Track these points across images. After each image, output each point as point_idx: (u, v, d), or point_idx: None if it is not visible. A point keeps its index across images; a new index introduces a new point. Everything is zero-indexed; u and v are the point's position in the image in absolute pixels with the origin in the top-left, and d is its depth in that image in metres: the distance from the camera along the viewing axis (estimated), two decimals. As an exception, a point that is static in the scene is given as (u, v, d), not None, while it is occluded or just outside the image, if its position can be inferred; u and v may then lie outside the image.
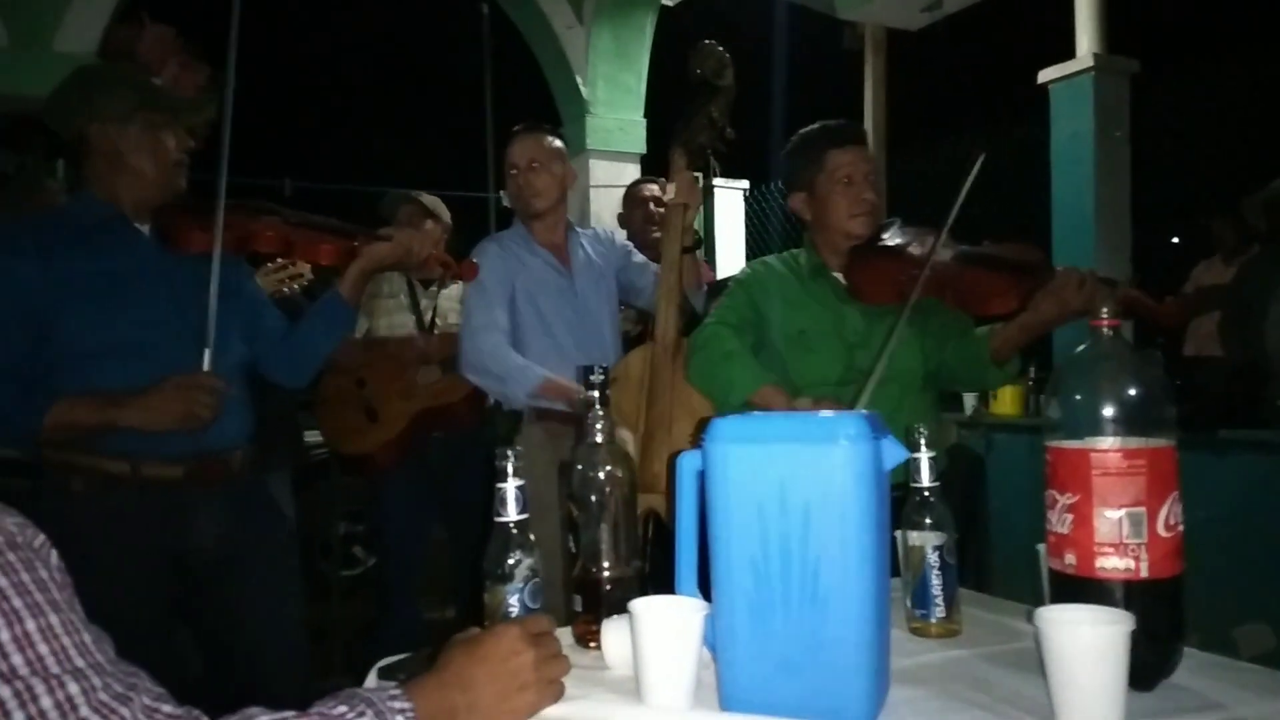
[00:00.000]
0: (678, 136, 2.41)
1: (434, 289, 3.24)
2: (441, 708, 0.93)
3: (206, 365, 1.84)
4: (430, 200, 3.34)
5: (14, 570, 0.73)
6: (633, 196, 3.64)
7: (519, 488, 1.21)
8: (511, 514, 1.20)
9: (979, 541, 4.12)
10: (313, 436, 4.85)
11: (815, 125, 2.26)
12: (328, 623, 3.89)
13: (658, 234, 3.42)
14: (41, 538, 0.79)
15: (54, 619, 0.74)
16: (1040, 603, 1.34)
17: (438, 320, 3.19)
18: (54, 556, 0.80)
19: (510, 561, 1.19)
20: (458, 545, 3.23)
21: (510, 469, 1.20)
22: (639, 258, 2.83)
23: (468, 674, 0.96)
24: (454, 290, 3.26)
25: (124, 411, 1.77)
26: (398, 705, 0.90)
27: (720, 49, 2.37)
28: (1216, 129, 4.69)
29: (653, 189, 3.53)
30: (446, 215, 3.35)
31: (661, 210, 3.42)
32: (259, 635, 2.01)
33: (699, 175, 2.51)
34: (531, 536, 1.23)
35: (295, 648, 2.12)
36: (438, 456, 3.07)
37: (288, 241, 2.08)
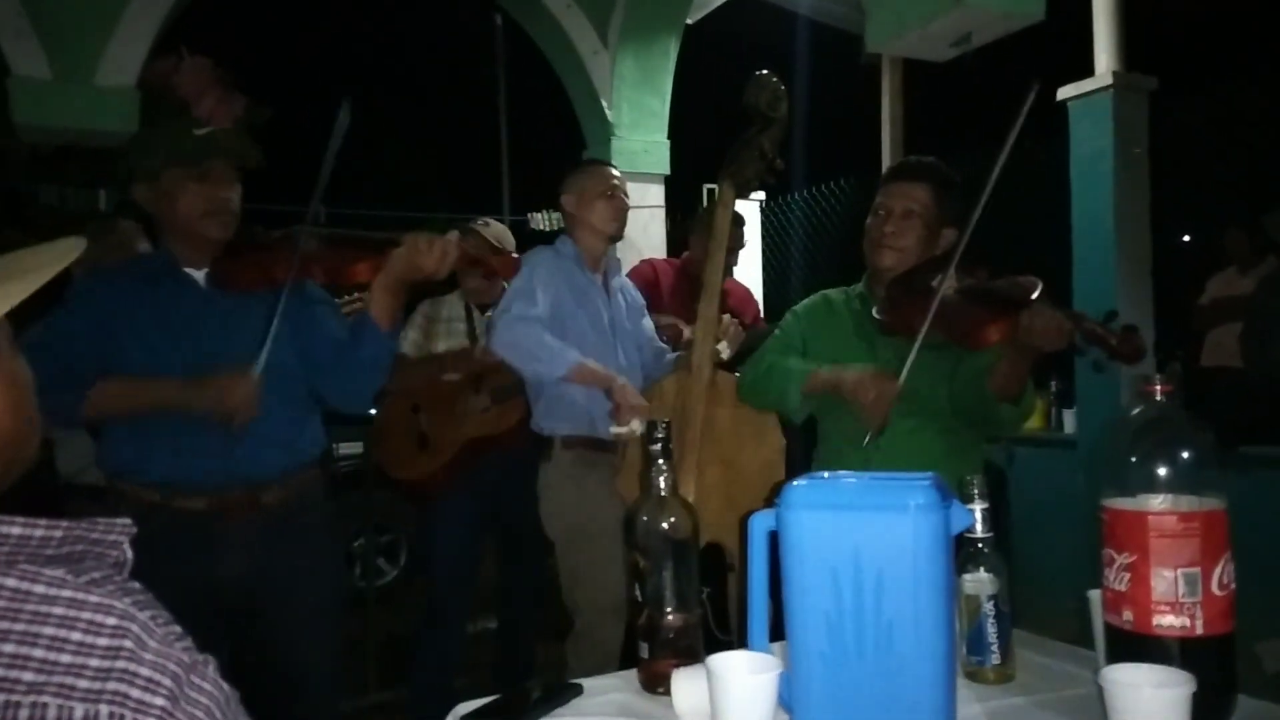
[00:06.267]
0: (727, 168, 2.42)
1: (489, 314, 3.31)
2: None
3: (257, 370, 1.90)
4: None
5: (196, 703, 0.77)
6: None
7: None
8: None
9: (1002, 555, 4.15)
10: (347, 449, 4.88)
11: None
12: (360, 635, 3.94)
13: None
14: (202, 657, 0.82)
15: None
16: (1084, 640, 1.40)
17: None
18: (210, 667, 0.82)
19: None
20: (505, 563, 3.33)
21: None
22: (647, 317, 2.92)
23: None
24: None
25: (159, 386, 1.90)
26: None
27: (775, 81, 2.37)
28: (1230, 145, 4.72)
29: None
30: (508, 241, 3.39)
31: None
32: (295, 666, 2.07)
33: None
34: None
35: (331, 679, 2.18)
36: (488, 478, 3.12)
37: (317, 269, 2.04)
